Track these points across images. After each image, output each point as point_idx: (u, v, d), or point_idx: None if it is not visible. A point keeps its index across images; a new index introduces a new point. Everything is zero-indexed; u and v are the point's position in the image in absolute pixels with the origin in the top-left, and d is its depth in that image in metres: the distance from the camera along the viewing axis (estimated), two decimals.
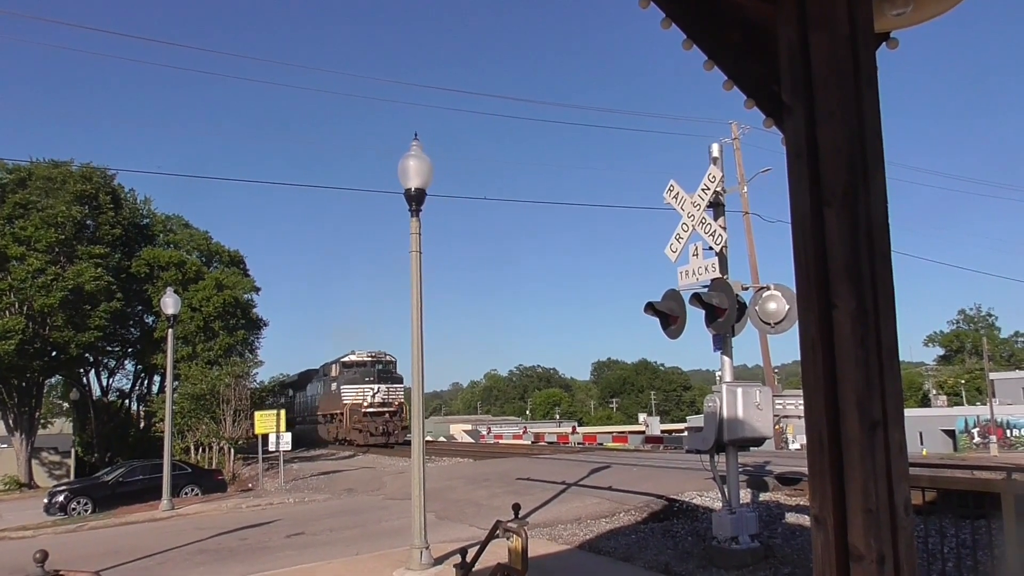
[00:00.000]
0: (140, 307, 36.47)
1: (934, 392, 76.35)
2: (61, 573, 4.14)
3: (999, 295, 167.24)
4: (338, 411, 38.31)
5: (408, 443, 35.61)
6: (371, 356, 39.46)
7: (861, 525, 2.04)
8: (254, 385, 32.19)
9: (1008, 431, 48.55)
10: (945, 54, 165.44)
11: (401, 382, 38.73)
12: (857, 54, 2.29)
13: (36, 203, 30.70)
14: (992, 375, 58.60)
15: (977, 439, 47.99)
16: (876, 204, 2.25)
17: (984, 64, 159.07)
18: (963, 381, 75.91)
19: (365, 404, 36.46)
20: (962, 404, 65.29)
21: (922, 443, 43.70)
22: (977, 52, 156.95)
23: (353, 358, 39.34)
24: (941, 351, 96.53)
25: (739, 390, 8.42)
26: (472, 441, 42.78)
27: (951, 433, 51.03)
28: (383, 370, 38.59)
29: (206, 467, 25.63)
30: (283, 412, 23.17)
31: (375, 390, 36.93)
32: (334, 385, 39.79)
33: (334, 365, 40.57)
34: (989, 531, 6.42)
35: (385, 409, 36.69)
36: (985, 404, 51.85)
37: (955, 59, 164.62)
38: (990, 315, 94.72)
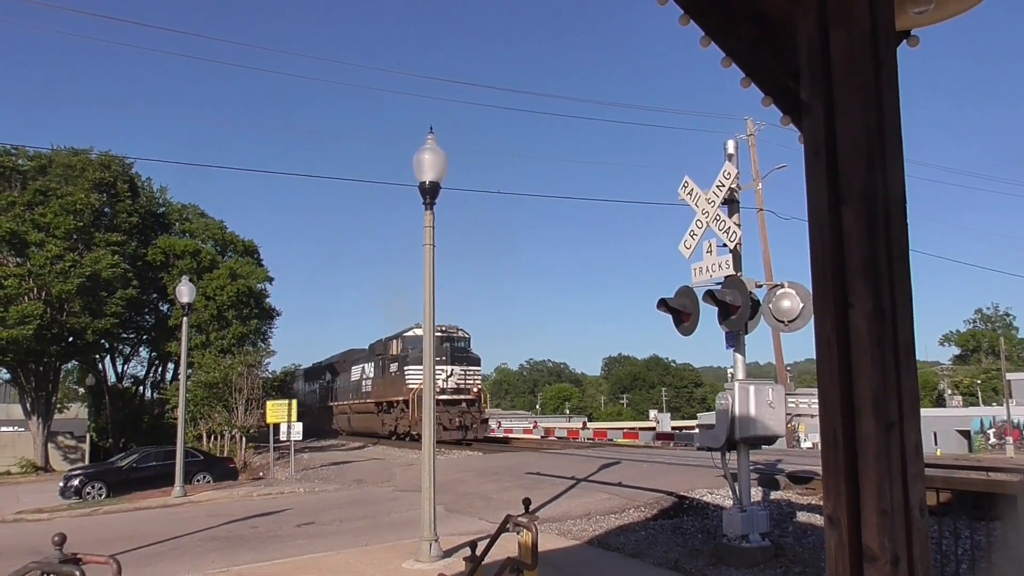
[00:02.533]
0: (155, 295, 36.87)
1: (949, 392, 75.66)
2: (79, 556, 4.19)
3: (1017, 294, 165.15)
4: (400, 398, 31.54)
5: (488, 440, 30.33)
6: (441, 330, 31.31)
7: (875, 525, 2.03)
8: (266, 374, 32.44)
9: None
10: (963, 47, 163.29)
11: (479, 364, 31.90)
12: (878, 51, 2.27)
13: (56, 190, 31.07)
14: (1009, 375, 57.95)
15: (993, 440, 47.52)
16: (894, 202, 2.23)
17: (1002, 58, 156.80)
18: (979, 381, 75.19)
19: (436, 390, 31.39)
20: (978, 404, 64.67)
21: (936, 443, 43.33)
22: (996, 46, 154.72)
23: (418, 332, 30.98)
24: (957, 350, 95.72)
25: (751, 388, 8.38)
26: None
27: (966, 434, 50.57)
28: (457, 348, 31.24)
29: (218, 455, 25.85)
30: (295, 402, 23.31)
31: (448, 372, 29.72)
32: (394, 366, 32.50)
33: (393, 341, 33.22)
34: (1004, 533, 6.37)
35: (461, 396, 29.78)
36: (1001, 405, 51.33)
37: (972, 52, 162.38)
38: (1007, 314, 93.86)
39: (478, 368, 31.91)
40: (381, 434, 33.54)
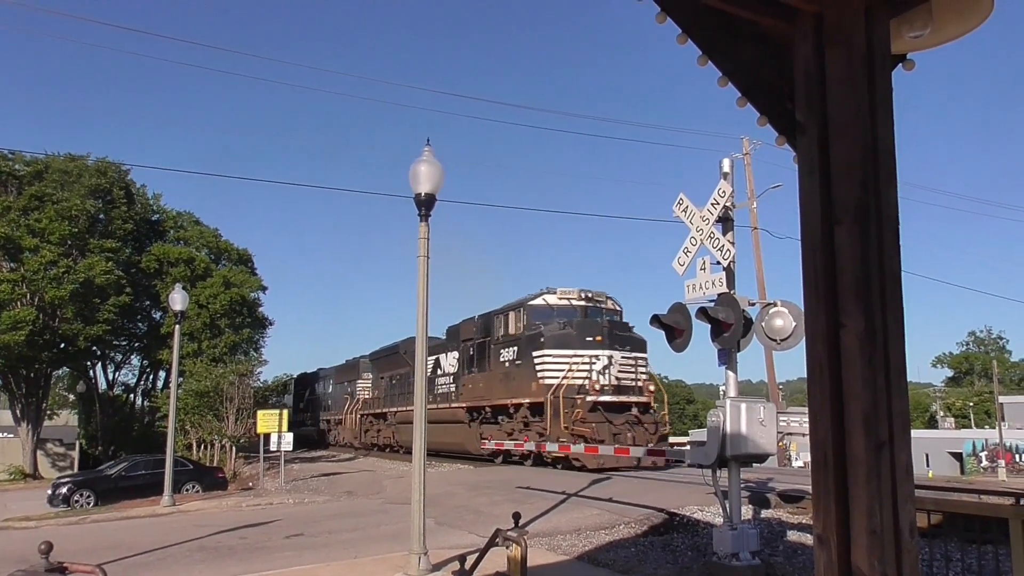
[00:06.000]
0: (148, 302, 36.74)
1: (941, 414, 75.72)
2: (65, 565, 4.15)
3: (1010, 318, 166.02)
4: (524, 400, 21.19)
5: (672, 465, 19.33)
6: (585, 297, 22.02)
7: (865, 546, 2.03)
8: (257, 384, 32.25)
9: (1017, 456, 48.06)
10: (959, 72, 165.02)
11: (645, 350, 21.41)
12: (873, 72, 2.30)
13: (52, 196, 31.04)
14: (1001, 398, 58.03)
15: (985, 463, 47.52)
16: (887, 223, 2.24)
17: (996, 84, 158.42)
18: (972, 404, 75.26)
19: (595, 386, 19.69)
20: (970, 427, 64.73)
21: (928, 465, 43.33)
22: (991, 71, 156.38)
23: (553, 300, 21.83)
24: (950, 373, 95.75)
25: (743, 405, 8.39)
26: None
27: (958, 456, 50.56)
28: (614, 322, 21.64)
29: (208, 464, 25.66)
30: (286, 412, 23.18)
31: (606, 359, 20.04)
32: (510, 352, 22.27)
33: (510, 315, 22.64)
34: (996, 557, 6.36)
35: (630, 399, 20.03)
36: (993, 427, 51.37)
37: (967, 77, 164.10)
38: (1001, 337, 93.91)
39: (645, 355, 21.30)
40: (478, 452, 23.69)
